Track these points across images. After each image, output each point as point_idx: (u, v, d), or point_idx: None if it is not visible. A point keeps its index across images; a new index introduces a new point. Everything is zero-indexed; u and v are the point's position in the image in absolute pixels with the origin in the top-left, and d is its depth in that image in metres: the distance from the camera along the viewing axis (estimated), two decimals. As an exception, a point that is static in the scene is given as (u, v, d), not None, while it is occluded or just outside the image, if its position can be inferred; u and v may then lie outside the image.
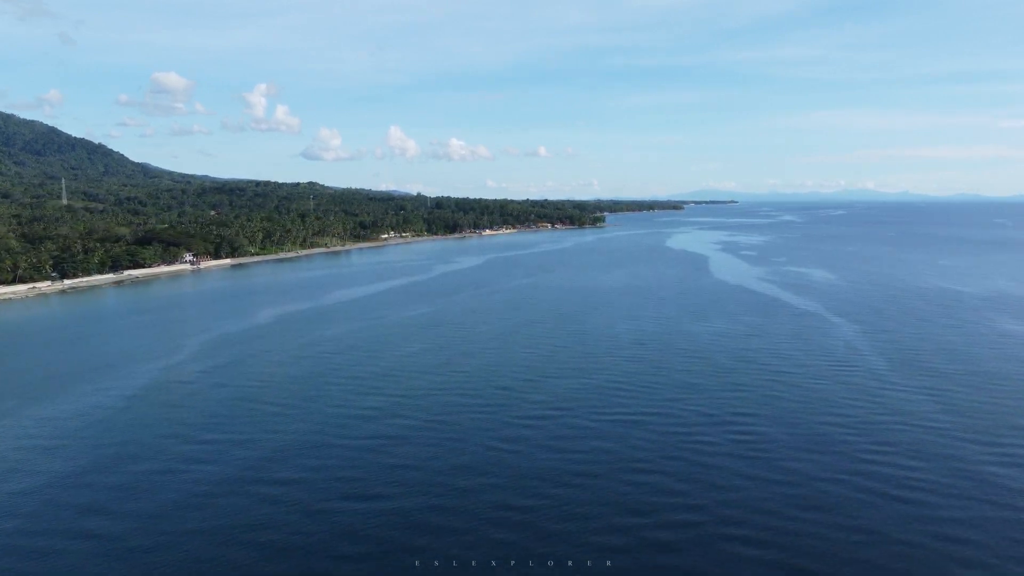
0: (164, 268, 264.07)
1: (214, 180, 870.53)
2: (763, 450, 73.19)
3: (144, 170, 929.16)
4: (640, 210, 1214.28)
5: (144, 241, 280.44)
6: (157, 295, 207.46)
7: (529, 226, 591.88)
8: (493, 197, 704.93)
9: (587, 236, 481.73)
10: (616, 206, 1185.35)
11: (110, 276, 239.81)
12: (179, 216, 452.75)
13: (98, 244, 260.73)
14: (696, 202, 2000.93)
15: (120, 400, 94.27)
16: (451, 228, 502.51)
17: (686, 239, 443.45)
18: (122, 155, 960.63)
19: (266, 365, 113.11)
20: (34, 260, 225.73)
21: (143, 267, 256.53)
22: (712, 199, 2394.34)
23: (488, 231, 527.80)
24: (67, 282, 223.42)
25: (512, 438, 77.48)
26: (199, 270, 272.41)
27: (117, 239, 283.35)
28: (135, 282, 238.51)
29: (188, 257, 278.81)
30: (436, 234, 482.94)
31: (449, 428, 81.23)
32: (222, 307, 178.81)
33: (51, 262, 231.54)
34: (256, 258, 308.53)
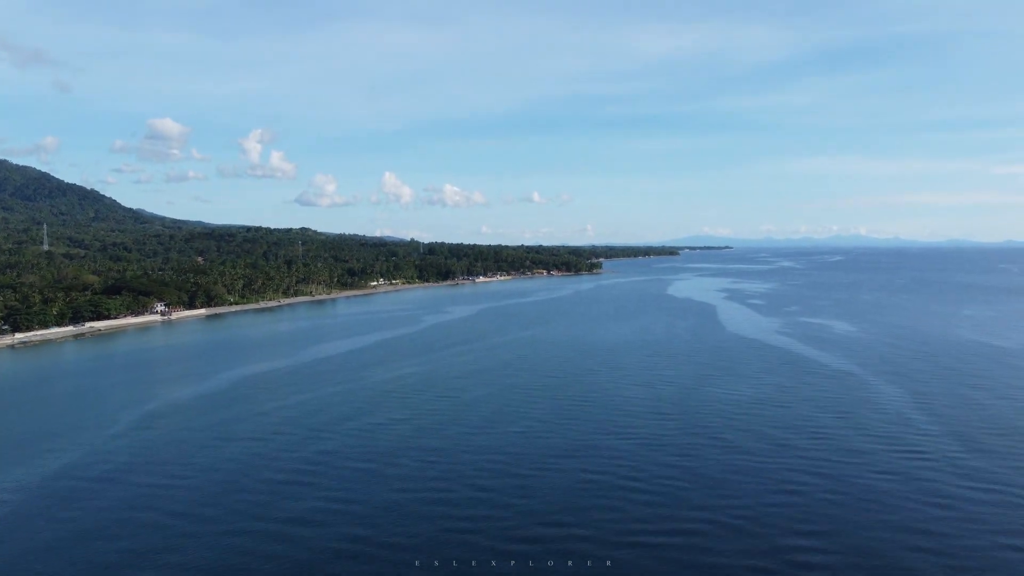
0: (131, 319, 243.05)
1: (206, 226, 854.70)
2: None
3: (136, 216, 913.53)
4: (636, 256, 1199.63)
5: (113, 290, 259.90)
6: (115, 351, 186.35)
7: (524, 273, 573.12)
8: (488, 243, 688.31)
9: (585, 283, 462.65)
10: (611, 252, 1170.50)
11: (70, 329, 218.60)
12: (164, 262, 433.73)
13: (61, 293, 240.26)
14: (691, 248, 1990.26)
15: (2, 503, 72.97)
16: (443, 275, 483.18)
17: (688, 287, 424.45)
18: (114, 200, 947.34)
19: (204, 449, 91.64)
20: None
21: (108, 318, 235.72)
22: (707, 245, 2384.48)
23: (482, 278, 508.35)
24: (19, 336, 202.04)
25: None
26: (170, 321, 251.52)
27: (85, 288, 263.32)
28: (97, 335, 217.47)
29: (159, 307, 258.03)
30: (428, 281, 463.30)
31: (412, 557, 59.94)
32: (181, 367, 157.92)
33: (4, 313, 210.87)
34: (234, 308, 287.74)
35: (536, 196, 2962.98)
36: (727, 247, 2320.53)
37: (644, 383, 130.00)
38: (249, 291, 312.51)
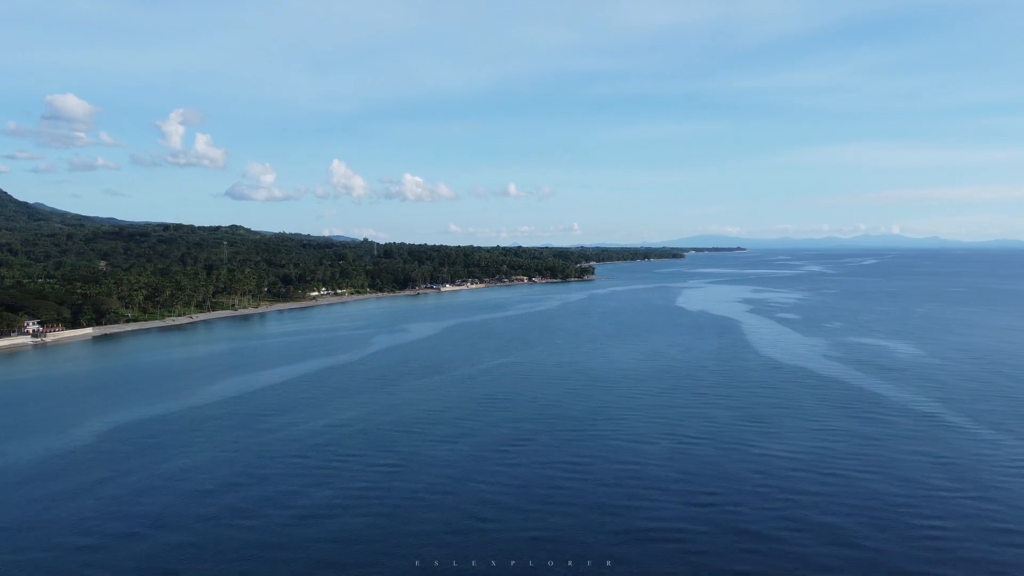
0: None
1: (118, 223, 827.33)
2: None
3: (30, 211, 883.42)
4: (634, 259, 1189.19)
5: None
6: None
7: (501, 280, 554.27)
8: (457, 244, 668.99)
9: (575, 292, 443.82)
10: (605, 254, 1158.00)
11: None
12: (55, 268, 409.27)
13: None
14: (697, 249, 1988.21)
15: None
16: (402, 283, 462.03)
17: (701, 296, 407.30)
18: (5, 193, 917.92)
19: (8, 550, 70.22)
20: None
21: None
22: (715, 246, 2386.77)
23: (449, 287, 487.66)
24: None
25: None
26: (45, 344, 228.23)
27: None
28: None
29: (31, 326, 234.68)
30: (382, 291, 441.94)
31: None
32: (37, 409, 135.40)
33: None
34: (132, 326, 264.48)
35: (513, 189, 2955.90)
36: (739, 249, 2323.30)
37: (665, 435, 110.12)
38: (153, 304, 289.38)
